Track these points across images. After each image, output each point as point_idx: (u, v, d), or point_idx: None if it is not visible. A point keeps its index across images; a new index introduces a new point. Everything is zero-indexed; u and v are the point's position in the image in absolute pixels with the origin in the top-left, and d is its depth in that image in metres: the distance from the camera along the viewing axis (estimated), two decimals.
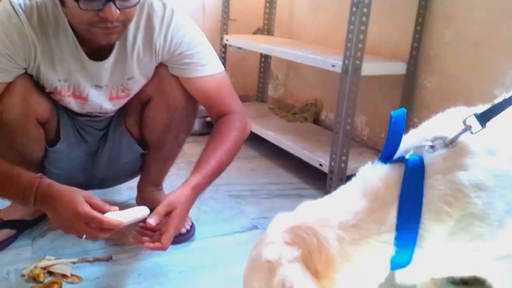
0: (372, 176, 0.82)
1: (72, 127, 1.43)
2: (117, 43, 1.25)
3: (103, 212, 1.10)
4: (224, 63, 2.69)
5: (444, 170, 0.78)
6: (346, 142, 1.80)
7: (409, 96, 1.95)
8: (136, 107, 1.43)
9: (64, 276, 1.24)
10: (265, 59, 2.85)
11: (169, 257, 1.39)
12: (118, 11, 1.08)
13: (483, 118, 0.78)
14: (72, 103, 1.33)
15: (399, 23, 2.01)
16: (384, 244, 0.78)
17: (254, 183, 1.97)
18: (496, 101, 0.81)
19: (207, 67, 1.33)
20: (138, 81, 1.35)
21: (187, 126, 1.48)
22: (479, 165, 0.77)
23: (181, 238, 1.46)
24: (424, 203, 0.77)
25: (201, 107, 2.67)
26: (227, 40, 2.61)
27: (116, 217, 1.11)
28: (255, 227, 1.59)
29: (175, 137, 1.47)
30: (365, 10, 1.66)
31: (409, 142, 0.86)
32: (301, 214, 0.82)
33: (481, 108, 0.82)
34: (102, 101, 1.35)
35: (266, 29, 2.81)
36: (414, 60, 1.91)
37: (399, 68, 1.93)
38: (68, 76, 1.26)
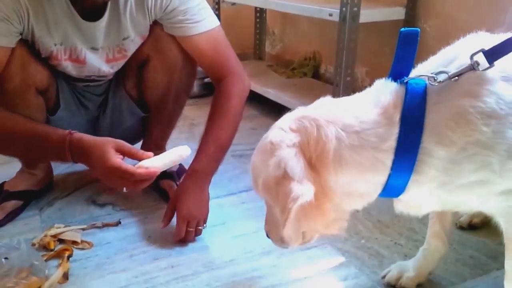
0: (385, 90, 0.81)
1: (71, 94, 1.41)
2: (109, 3, 1.22)
3: (137, 159, 1.09)
4: (216, 17, 2.63)
5: (449, 95, 0.76)
6: (347, 94, 1.77)
7: None
8: (134, 69, 1.41)
9: (74, 242, 1.25)
10: (260, 14, 2.78)
11: None
12: None
13: (492, 55, 0.74)
14: (70, 67, 1.31)
15: None
16: (380, 162, 0.78)
17: (256, 141, 1.90)
18: (506, 37, 0.77)
19: (201, 23, 1.30)
20: (134, 41, 1.32)
21: (187, 86, 1.47)
22: (491, 92, 0.74)
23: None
24: (426, 126, 0.76)
25: (199, 68, 2.63)
26: None
27: (151, 163, 1.08)
28: None
29: (175, 98, 1.45)
30: None
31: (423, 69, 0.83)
32: (315, 107, 0.84)
33: (493, 42, 0.77)
34: (100, 63, 1.33)
35: None
36: (412, 3, 1.85)
37: (398, 13, 1.87)
38: (64, 39, 1.24)
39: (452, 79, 0.76)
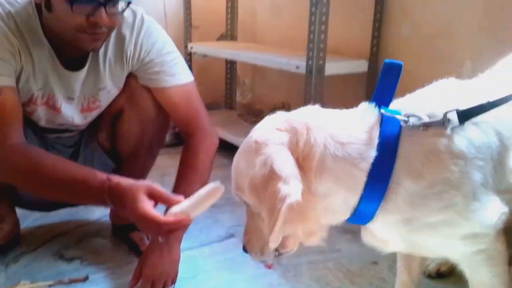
0: (370, 113, 0.82)
1: (40, 147, 1.40)
2: (90, 53, 1.25)
3: (167, 204, 1.05)
4: (190, 72, 2.68)
5: (422, 135, 0.77)
6: None
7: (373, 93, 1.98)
8: (108, 121, 1.43)
9: None
10: (231, 65, 2.85)
11: None
12: (107, 16, 1.09)
13: (465, 116, 0.77)
14: (44, 113, 1.31)
15: (358, 21, 2.04)
16: (354, 180, 0.77)
17: (228, 191, 1.93)
18: (482, 101, 0.79)
19: (176, 77, 1.33)
20: (110, 92, 1.34)
21: (160, 138, 1.48)
22: (462, 135, 0.77)
23: None
24: (399, 155, 0.77)
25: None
26: (191, 47, 2.61)
27: (182, 208, 1.02)
28: (232, 236, 1.59)
29: (148, 149, 1.46)
30: (324, 9, 1.69)
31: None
32: (301, 112, 0.83)
33: (465, 103, 0.80)
34: (74, 113, 1.34)
35: (230, 35, 2.81)
36: (375, 57, 1.95)
37: (361, 65, 1.96)
38: (44, 85, 1.25)
39: (421, 128, 0.78)
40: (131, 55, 1.29)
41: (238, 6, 2.76)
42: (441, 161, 0.76)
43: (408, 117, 0.79)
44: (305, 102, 1.80)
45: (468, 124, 0.78)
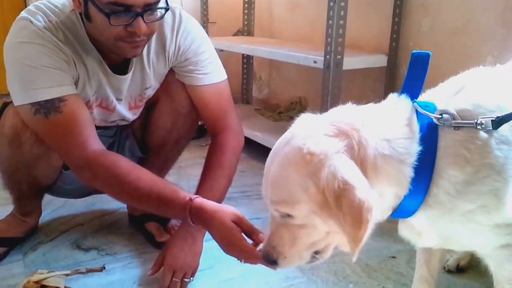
0: (404, 105, 0.80)
1: None
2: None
3: (251, 234, 1.10)
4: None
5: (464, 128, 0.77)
6: None
7: (392, 88, 1.96)
8: (144, 110, 1.45)
9: None
10: (247, 60, 2.85)
11: None
12: (145, 25, 1.10)
13: (499, 123, 0.75)
14: (98, 114, 1.34)
15: (377, 16, 2.02)
16: (403, 176, 0.76)
17: (245, 184, 1.96)
18: None
19: (209, 76, 1.35)
20: (154, 89, 1.38)
21: (188, 132, 1.49)
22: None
23: None
24: (439, 147, 0.76)
25: None
26: None
27: None
28: None
29: (175, 142, 1.47)
30: (342, 4, 1.68)
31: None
32: (332, 114, 0.81)
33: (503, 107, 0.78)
34: (125, 112, 1.38)
35: (246, 30, 2.81)
36: (394, 51, 1.93)
37: (380, 60, 1.94)
38: (98, 89, 1.27)
39: (453, 128, 0.77)
40: (172, 54, 1.31)
41: (255, 1, 2.76)
42: (486, 146, 0.75)
43: (441, 114, 0.78)
44: (323, 97, 1.79)
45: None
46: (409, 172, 0.76)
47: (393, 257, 1.39)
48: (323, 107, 1.80)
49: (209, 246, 1.46)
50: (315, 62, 1.82)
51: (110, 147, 1.48)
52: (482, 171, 0.75)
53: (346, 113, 0.80)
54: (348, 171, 0.71)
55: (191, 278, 1.25)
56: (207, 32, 2.63)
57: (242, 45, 2.38)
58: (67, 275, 1.29)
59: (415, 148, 0.76)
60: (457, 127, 0.77)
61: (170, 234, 1.46)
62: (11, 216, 1.47)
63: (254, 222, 1.61)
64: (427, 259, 1.05)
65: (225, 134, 1.37)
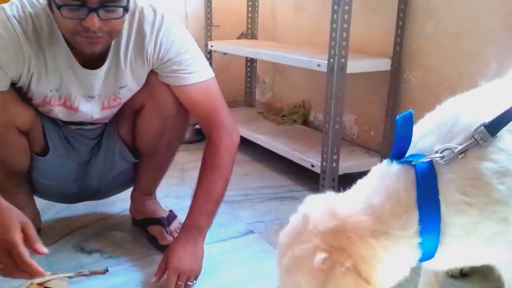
0: (389, 175, 0.82)
1: (61, 138, 1.42)
2: (110, 51, 1.25)
3: (28, 247, 1.03)
4: (210, 68, 2.69)
5: (459, 163, 0.77)
6: (336, 142, 1.81)
7: (395, 92, 1.96)
8: (129, 116, 1.43)
9: None
10: (251, 64, 2.85)
11: None
12: (101, 21, 1.08)
13: (493, 127, 0.76)
14: (61, 113, 1.33)
15: (381, 19, 2.02)
16: (411, 248, 0.79)
17: (248, 187, 1.97)
18: (505, 108, 0.78)
19: (194, 75, 1.32)
20: (131, 89, 1.35)
21: (179, 134, 1.48)
22: (500, 149, 0.76)
23: None
24: (441, 200, 0.77)
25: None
26: (211, 46, 2.62)
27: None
28: (251, 232, 1.59)
29: (167, 145, 1.46)
30: (346, 8, 1.68)
31: (419, 138, 0.85)
32: (337, 213, 0.81)
33: (490, 115, 0.78)
34: (94, 111, 1.35)
35: (250, 33, 2.81)
36: (398, 55, 1.93)
37: (384, 64, 1.94)
38: (60, 86, 1.26)
39: (459, 156, 0.77)
40: (151, 54, 1.28)
41: (259, 5, 2.77)
42: (487, 184, 0.75)
43: (441, 152, 0.78)
44: (326, 101, 1.79)
45: (503, 134, 0.77)
46: (414, 241, 0.79)
47: None
48: (326, 111, 1.80)
49: (212, 249, 1.47)
50: (318, 65, 1.82)
51: (93, 151, 1.48)
52: (488, 209, 0.76)
53: (342, 216, 0.81)
54: None
55: (194, 282, 1.25)
56: (210, 35, 2.66)
57: (245, 49, 2.38)
58: (70, 277, 1.29)
59: (413, 219, 0.78)
60: (462, 154, 0.77)
61: (173, 236, 1.46)
62: None
63: (258, 225, 1.62)
64: None
65: (218, 132, 1.35)
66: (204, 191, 1.30)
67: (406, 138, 0.83)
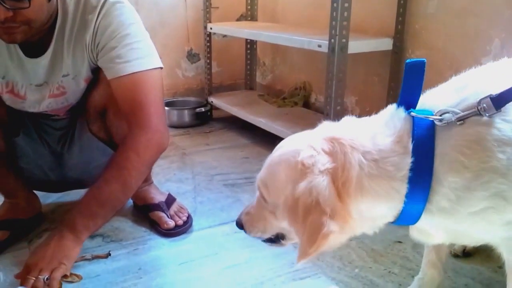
0: (398, 118, 0.80)
1: (30, 123, 1.43)
2: (54, 39, 1.23)
3: None
4: (209, 52, 2.67)
5: (463, 127, 0.75)
6: None
7: (398, 72, 1.94)
8: (95, 115, 1.40)
9: (63, 276, 1.22)
10: (250, 46, 2.82)
11: (168, 250, 1.38)
12: (8, 12, 1.05)
13: (499, 101, 0.74)
14: (9, 101, 1.32)
15: None
16: (395, 192, 0.77)
17: (249, 170, 1.96)
18: None
19: (128, 64, 1.21)
20: (74, 80, 1.30)
21: None
22: (505, 120, 0.74)
23: (179, 230, 1.45)
24: (437, 154, 0.75)
25: (192, 99, 2.64)
26: (211, 28, 2.58)
27: None
28: None
29: None
30: None
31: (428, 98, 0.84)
32: (344, 127, 0.84)
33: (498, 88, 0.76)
34: (40, 100, 1.32)
35: (250, 15, 2.78)
36: (400, 34, 1.90)
37: (386, 44, 1.91)
38: (5, 73, 1.25)
39: (458, 123, 0.75)
40: (90, 39, 1.22)
41: None
42: (486, 150, 0.73)
43: (441, 115, 0.77)
44: (327, 82, 1.77)
45: (510, 107, 0.75)
46: (402, 186, 0.77)
47: (399, 241, 1.38)
48: (327, 92, 1.78)
49: (214, 232, 1.47)
50: (319, 46, 1.79)
51: (64, 144, 1.48)
52: (484, 176, 0.73)
53: (346, 131, 0.82)
54: (325, 195, 0.75)
55: (47, 276, 1.12)
56: (210, 17, 2.63)
57: (245, 30, 2.35)
58: None
59: (406, 162, 0.76)
60: (461, 121, 0.75)
61: (174, 220, 1.47)
62: (2, 203, 1.48)
63: None
64: (435, 245, 1.04)
65: (135, 131, 1.22)
66: (94, 188, 1.20)
67: (414, 86, 0.81)
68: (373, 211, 0.80)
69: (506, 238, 0.81)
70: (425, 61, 0.81)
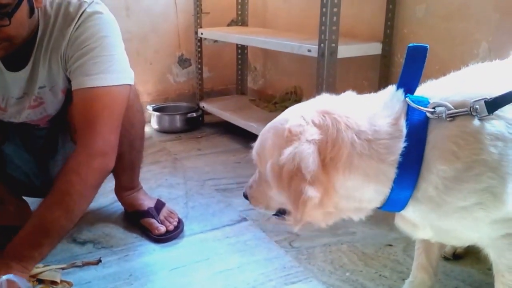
0: (397, 101, 0.81)
1: (15, 132, 1.43)
2: (34, 51, 1.22)
3: None
4: (200, 58, 2.67)
5: (455, 122, 0.75)
6: None
7: (387, 76, 1.96)
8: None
9: (54, 283, 1.21)
10: (241, 51, 2.83)
11: (159, 255, 1.38)
12: None
13: (494, 105, 0.74)
14: None
15: (371, 3, 2.01)
16: (384, 174, 0.77)
17: (240, 175, 1.96)
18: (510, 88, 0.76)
19: (91, 78, 1.16)
20: (52, 91, 1.29)
21: (138, 131, 1.45)
22: (499, 116, 0.74)
23: (170, 235, 1.45)
24: (429, 141, 0.76)
25: (183, 105, 2.63)
26: (201, 33, 2.59)
27: None
28: (244, 219, 1.58)
29: (130, 146, 1.43)
30: None
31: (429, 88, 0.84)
32: (337, 102, 0.84)
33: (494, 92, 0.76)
34: (20, 111, 1.32)
35: (240, 20, 2.78)
36: (389, 39, 1.91)
37: (375, 48, 1.93)
38: None
39: (448, 119, 0.76)
40: (64, 50, 1.20)
41: None
42: (479, 142, 0.73)
43: (434, 107, 0.77)
44: (318, 86, 1.77)
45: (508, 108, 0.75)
46: (391, 170, 0.77)
47: (390, 245, 1.39)
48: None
49: (205, 237, 1.47)
50: (309, 51, 1.80)
51: (47, 152, 1.47)
52: (475, 168, 0.74)
53: (342, 106, 0.82)
54: (307, 162, 0.76)
55: None
56: (200, 22, 2.63)
57: (236, 35, 2.36)
58: (63, 268, 1.28)
59: (399, 146, 0.76)
60: (451, 117, 0.75)
61: (165, 225, 1.46)
62: None
63: (250, 213, 1.62)
64: (426, 247, 1.05)
65: (80, 152, 1.16)
66: (35, 217, 1.15)
67: (415, 71, 0.81)
68: (360, 191, 0.80)
69: (493, 238, 0.81)
70: (428, 47, 0.81)
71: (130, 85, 1.24)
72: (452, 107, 0.76)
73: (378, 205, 0.83)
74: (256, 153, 0.88)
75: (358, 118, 0.79)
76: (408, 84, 0.82)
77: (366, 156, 0.77)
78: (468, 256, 1.30)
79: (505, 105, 0.75)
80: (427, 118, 0.77)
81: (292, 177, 0.77)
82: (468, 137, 0.74)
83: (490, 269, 0.88)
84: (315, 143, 0.77)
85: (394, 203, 0.80)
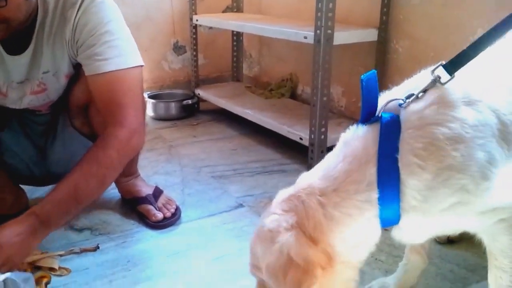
0: (352, 138, 0.82)
1: (14, 118, 1.43)
2: (34, 35, 1.22)
3: None
4: (196, 44, 2.66)
5: (417, 125, 0.77)
6: (324, 114, 1.81)
7: (383, 62, 1.96)
8: (77, 110, 1.39)
9: (52, 269, 1.22)
10: (237, 38, 2.81)
11: (156, 242, 1.39)
12: None
13: (451, 67, 0.77)
14: None
15: None
16: (364, 203, 0.78)
17: (236, 162, 1.96)
18: (463, 48, 0.79)
19: (106, 63, 1.19)
20: (55, 76, 1.29)
21: None
22: (455, 118, 0.76)
23: (167, 222, 1.46)
24: (399, 158, 0.77)
25: (179, 92, 2.63)
26: (196, 20, 2.57)
27: None
28: (241, 205, 1.59)
29: None
30: None
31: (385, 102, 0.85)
32: (297, 184, 0.85)
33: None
34: (22, 96, 1.31)
35: (236, 7, 2.77)
36: (385, 25, 1.91)
37: (371, 34, 1.93)
38: None
39: (419, 96, 0.78)
40: (69, 36, 1.21)
41: None
42: (440, 149, 0.75)
43: (405, 98, 0.80)
44: (313, 73, 1.78)
45: (460, 105, 0.77)
46: (370, 194, 0.77)
47: (385, 229, 1.40)
48: (314, 83, 1.79)
49: (202, 223, 1.48)
50: (305, 37, 1.80)
51: (47, 139, 1.48)
52: (442, 175, 0.75)
53: (299, 183, 0.84)
54: (293, 247, 0.76)
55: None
56: (195, 9, 2.61)
57: (231, 22, 2.35)
58: (61, 255, 1.29)
59: (368, 172, 0.77)
60: (423, 93, 0.78)
61: (162, 212, 1.47)
62: None
63: (247, 199, 1.63)
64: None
65: (114, 130, 1.19)
66: (70, 184, 1.13)
67: (372, 99, 0.83)
68: (356, 233, 0.80)
69: (485, 226, 0.83)
70: (376, 72, 0.82)
71: (142, 65, 1.27)
72: (405, 99, 0.79)
73: (378, 229, 0.83)
74: (253, 266, 0.87)
75: (314, 182, 0.81)
76: (370, 111, 0.83)
77: (339, 203, 0.78)
78: (462, 240, 1.31)
79: (462, 65, 0.77)
80: (398, 134, 0.78)
81: (286, 269, 0.77)
82: (429, 147, 0.75)
83: (484, 252, 0.89)
84: (294, 226, 0.78)
85: (388, 220, 0.81)
